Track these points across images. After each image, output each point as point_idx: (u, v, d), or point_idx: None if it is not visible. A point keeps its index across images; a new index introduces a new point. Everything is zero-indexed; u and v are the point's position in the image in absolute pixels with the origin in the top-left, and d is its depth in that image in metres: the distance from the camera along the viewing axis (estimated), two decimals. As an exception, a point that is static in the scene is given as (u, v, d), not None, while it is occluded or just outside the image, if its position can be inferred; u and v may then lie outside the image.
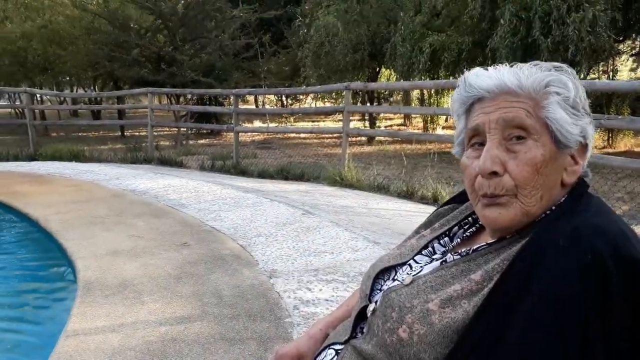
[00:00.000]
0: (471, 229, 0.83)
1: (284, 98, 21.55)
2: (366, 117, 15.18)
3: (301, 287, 2.61)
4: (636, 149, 9.49)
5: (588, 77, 9.20)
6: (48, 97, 12.42)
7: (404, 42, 9.68)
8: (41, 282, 3.23)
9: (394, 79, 14.64)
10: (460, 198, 0.92)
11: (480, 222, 0.80)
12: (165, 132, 13.37)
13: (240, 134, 8.21)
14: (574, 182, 0.74)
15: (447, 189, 5.16)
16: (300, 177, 6.74)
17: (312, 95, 21.29)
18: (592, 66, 9.25)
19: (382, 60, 11.91)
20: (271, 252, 3.21)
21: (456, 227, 0.86)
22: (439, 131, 13.40)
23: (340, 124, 16.49)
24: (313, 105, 22.42)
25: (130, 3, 12.80)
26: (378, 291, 0.80)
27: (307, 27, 14.16)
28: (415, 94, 15.81)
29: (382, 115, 16.45)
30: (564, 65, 0.75)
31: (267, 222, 3.95)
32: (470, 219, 0.85)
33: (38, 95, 10.84)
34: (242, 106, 8.50)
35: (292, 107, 20.13)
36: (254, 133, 13.27)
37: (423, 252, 0.84)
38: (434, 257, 0.82)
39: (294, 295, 2.50)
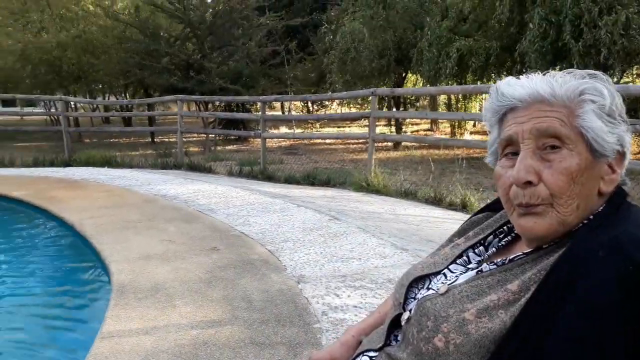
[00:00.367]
0: (506, 238, 0.83)
1: (309, 104, 21.68)
2: (392, 123, 15.13)
3: (329, 293, 2.62)
4: (673, 154, 9.17)
5: (621, 81, 8.96)
6: (81, 104, 12.77)
7: (431, 47, 9.62)
8: (77, 285, 3.33)
9: (421, 84, 14.56)
10: (495, 206, 0.92)
11: (515, 231, 0.80)
12: (194, 139, 13.60)
13: (267, 140, 8.29)
14: (612, 190, 0.73)
15: (476, 195, 5.10)
16: (326, 183, 6.77)
17: (337, 101, 21.35)
18: (625, 70, 9.01)
19: (409, 65, 11.86)
20: (299, 258, 3.23)
21: (491, 236, 0.86)
22: (467, 136, 13.25)
23: (365, 130, 16.45)
24: (339, 111, 22.49)
25: (160, 12, 13.12)
26: (412, 300, 0.81)
27: (332, 33, 14.23)
28: (442, 99, 15.67)
29: (408, 120, 16.36)
30: (599, 73, 0.74)
31: (295, 228, 3.98)
32: (505, 227, 0.85)
33: (72, 103, 11.17)
34: (268, 113, 8.62)
35: (318, 113, 20.23)
36: (280, 139, 13.39)
37: (458, 261, 0.84)
38: (469, 266, 0.82)
39: (322, 301, 2.52)
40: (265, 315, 2.40)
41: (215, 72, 12.34)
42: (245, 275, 2.94)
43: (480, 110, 16.38)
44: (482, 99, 16.35)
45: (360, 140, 13.21)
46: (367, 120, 18.88)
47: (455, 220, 4.49)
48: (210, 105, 13.25)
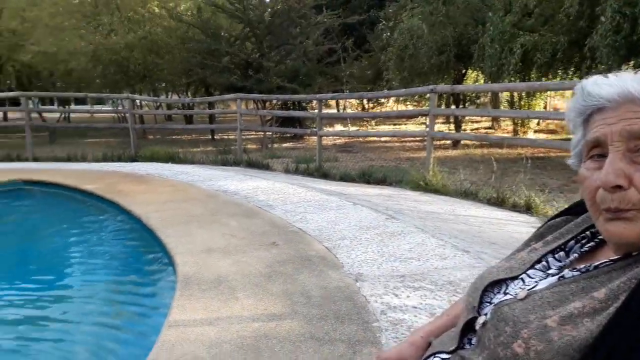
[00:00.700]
0: (590, 244, 0.80)
1: (365, 102, 21.60)
2: (451, 120, 14.78)
3: (388, 292, 2.61)
4: None
5: None
6: (146, 102, 13.39)
7: (493, 42, 9.30)
8: (145, 275, 3.50)
9: (481, 81, 14.12)
10: (575, 210, 0.88)
11: (599, 237, 0.76)
12: (252, 136, 13.92)
13: (322, 137, 8.34)
14: None
15: (542, 197, 4.89)
16: (382, 181, 6.72)
17: (393, 98, 21.13)
18: None
19: (469, 62, 11.53)
20: (356, 256, 3.24)
21: (572, 241, 0.83)
22: (531, 135, 12.73)
23: (422, 127, 16.14)
24: (395, 108, 22.25)
25: (221, 12, 13.49)
26: (487, 304, 0.79)
27: (390, 30, 14.08)
28: (504, 96, 15.13)
29: (467, 118, 15.93)
30: None
31: (351, 226, 3.98)
32: (587, 232, 0.82)
33: (138, 101, 11.73)
34: (324, 110, 8.66)
35: (374, 110, 20.12)
36: (335, 137, 13.44)
37: (536, 267, 0.81)
38: (549, 272, 0.79)
39: (380, 300, 2.51)
40: (323, 311, 2.42)
41: (273, 70, 12.55)
42: (304, 271, 2.98)
43: (545, 108, 15.67)
44: (547, 96, 15.65)
45: (417, 138, 13.01)
46: (424, 118, 18.51)
47: (519, 222, 4.33)
48: (267, 104, 13.50)
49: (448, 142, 11.74)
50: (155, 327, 2.59)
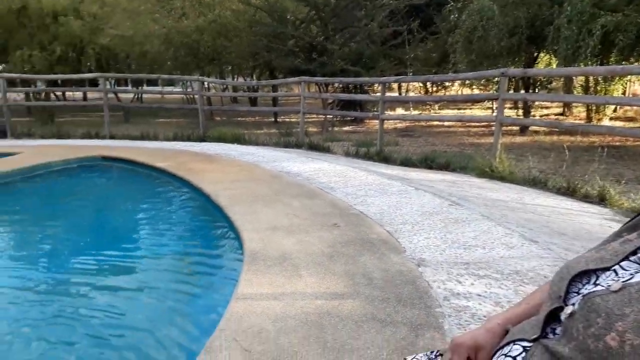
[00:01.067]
0: None
1: (428, 85, 21.07)
2: (519, 105, 14.12)
3: (451, 278, 2.60)
4: None
5: None
6: (213, 84, 13.81)
7: (570, 24, 8.74)
8: (214, 249, 3.69)
9: (554, 65, 13.35)
10: None
11: None
12: (313, 119, 14.02)
13: (384, 121, 8.26)
14: None
15: (617, 188, 4.62)
16: (445, 167, 6.59)
17: (458, 82, 20.47)
18: None
19: (542, 44, 10.92)
20: (418, 241, 3.23)
21: None
22: (606, 122, 11.94)
23: (487, 112, 15.54)
24: (459, 92, 21.55)
25: (288, -4, 13.58)
26: (575, 294, 0.78)
27: (458, 11, 13.57)
28: (578, 81, 14.23)
29: (536, 103, 15.16)
30: None
31: (413, 211, 3.96)
32: None
33: (205, 83, 12.12)
34: (387, 94, 8.55)
35: (437, 94, 19.60)
36: (396, 121, 13.26)
37: (631, 259, 0.79)
38: None
39: (443, 287, 2.50)
40: (385, 293, 2.46)
41: (337, 53, 12.51)
42: (365, 253, 3.02)
43: (623, 93, 14.58)
44: (627, 81, 14.53)
45: (482, 124, 12.58)
46: (489, 103, 17.76)
47: (591, 213, 4.13)
48: (329, 87, 13.50)
49: (515, 128, 11.26)
50: (223, 298, 2.74)
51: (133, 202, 5.21)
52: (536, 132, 10.58)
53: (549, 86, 16.50)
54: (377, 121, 8.41)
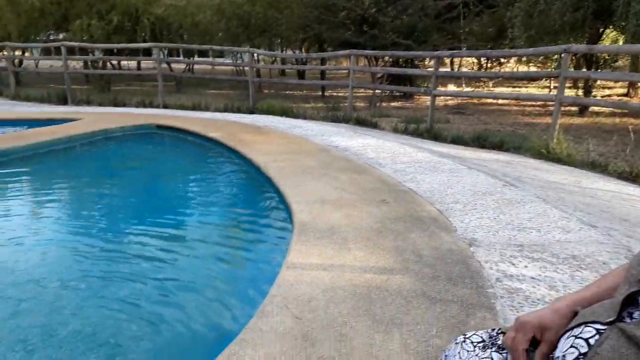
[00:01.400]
0: None
1: (482, 61, 20.32)
2: (579, 85, 13.39)
3: (504, 260, 2.54)
4: None
5: None
6: (262, 57, 13.84)
7: (643, -3, 8.13)
8: (263, 218, 3.76)
9: (621, 41, 12.52)
10: None
11: None
12: (360, 94, 13.86)
13: (435, 97, 8.05)
14: None
15: (687, 175, 4.34)
16: (498, 147, 6.39)
17: (514, 59, 19.60)
18: None
19: (609, 20, 10.24)
20: (470, 221, 3.17)
21: None
22: (676, 105, 11.17)
23: (544, 91, 14.86)
24: (515, 69, 20.65)
25: (340, -34, 13.27)
26: None
27: (519, -17, 12.88)
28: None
29: (597, 83, 14.31)
30: None
31: (465, 190, 3.88)
32: None
33: (255, 55, 12.17)
34: (439, 69, 8.28)
35: (492, 70, 18.87)
36: (446, 97, 12.90)
37: None
38: None
39: (496, 267, 2.46)
40: (436, 271, 2.44)
41: (389, 26, 12.22)
42: (415, 230, 3.00)
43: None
44: None
45: (538, 103, 12.05)
46: (546, 82, 16.95)
47: (656, 201, 3.91)
48: (379, 61, 13.25)
49: (573, 108, 10.73)
50: (273, 266, 2.81)
51: (187, 170, 5.37)
52: (597, 114, 10.05)
53: (613, 65, 15.56)
54: (427, 97, 8.23)
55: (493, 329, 1.10)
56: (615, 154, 5.86)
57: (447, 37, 13.92)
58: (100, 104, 10.37)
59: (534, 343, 0.93)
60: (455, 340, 1.11)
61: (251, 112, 9.44)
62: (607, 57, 13.09)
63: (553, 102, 6.02)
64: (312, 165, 4.70)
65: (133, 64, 22.55)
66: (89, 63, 13.45)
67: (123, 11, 13.48)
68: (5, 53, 13.01)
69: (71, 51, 12.75)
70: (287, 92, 15.35)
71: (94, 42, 12.68)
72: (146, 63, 23.70)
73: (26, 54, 17.01)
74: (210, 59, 19.33)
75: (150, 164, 5.69)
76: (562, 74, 5.84)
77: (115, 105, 10.24)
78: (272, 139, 6.05)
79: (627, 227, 3.10)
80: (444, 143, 6.84)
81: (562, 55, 5.88)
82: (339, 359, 1.76)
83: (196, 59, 19.21)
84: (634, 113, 9.45)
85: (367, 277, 2.40)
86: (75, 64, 15.10)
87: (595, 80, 11.90)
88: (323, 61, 13.54)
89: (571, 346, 0.82)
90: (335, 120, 8.78)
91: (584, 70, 11.83)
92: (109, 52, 14.79)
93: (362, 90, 13.69)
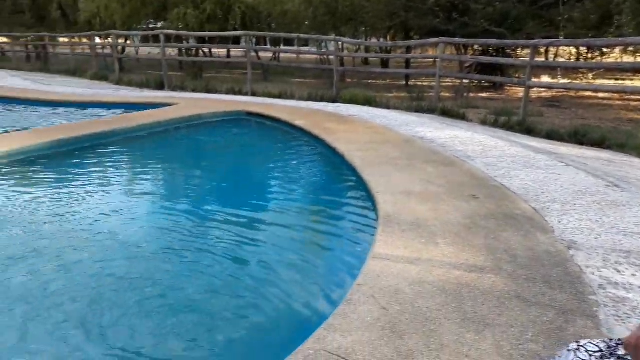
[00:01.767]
0: None
1: (581, 51, 18.83)
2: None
3: (607, 266, 2.37)
4: None
5: None
6: (346, 45, 13.81)
7: None
8: (348, 208, 3.78)
9: None
10: None
11: None
12: (446, 84, 13.42)
13: (530, 88, 7.59)
14: None
15: None
16: (599, 143, 5.92)
17: (619, 49, 17.95)
18: None
19: None
20: (568, 222, 2.98)
21: None
22: None
23: (656, 85, 13.49)
24: (620, 60, 18.91)
25: (431, -49, 12.85)
26: None
27: (631, -36, 11.73)
28: None
29: None
30: None
31: (563, 189, 3.65)
32: None
33: (340, 43, 12.16)
34: (535, 59, 7.76)
35: (595, 61, 17.44)
36: (540, 89, 12.13)
37: None
38: None
39: (598, 274, 2.29)
40: (531, 273, 2.32)
41: (480, 13, 11.69)
42: (508, 229, 2.87)
43: None
44: None
45: (646, 98, 10.98)
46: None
47: None
48: (468, 50, 12.73)
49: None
50: (358, 256, 2.82)
51: (274, 156, 5.53)
52: None
53: None
54: (518, 89, 7.79)
55: (611, 339, 1.04)
56: None
57: (544, 25, 13.05)
58: (194, 90, 10.92)
59: None
60: (568, 347, 1.06)
61: (334, 100, 9.48)
62: None
63: (668, 97, 5.45)
64: (396, 155, 4.64)
65: (223, 52, 23.49)
66: (183, 51, 14.18)
67: (216, 0, 14.04)
68: (110, 40, 14.10)
69: (168, 39, 13.52)
70: (369, 81, 15.23)
71: (188, 31, 13.34)
72: (235, 51, 24.59)
73: (128, 42, 18.28)
74: (295, 48, 19.66)
75: (240, 149, 5.92)
76: (681, 65, 5.26)
77: (208, 91, 10.73)
78: (356, 128, 6.04)
79: None
80: (538, 137, 6.45)
81: (682, 44, 5.29)
82: (427, 355, 1.74)
83: (282, 47, 19.60)
84: None
85: (456, 274, 2.34)
86: (171, 51, 16.01)
87: None
88: (408, 50, 13.22)
89: None
90: (420, 110, 8.58)
91: None
92: (201, 40, 15.52)
93: (447, 80, 13.24)
